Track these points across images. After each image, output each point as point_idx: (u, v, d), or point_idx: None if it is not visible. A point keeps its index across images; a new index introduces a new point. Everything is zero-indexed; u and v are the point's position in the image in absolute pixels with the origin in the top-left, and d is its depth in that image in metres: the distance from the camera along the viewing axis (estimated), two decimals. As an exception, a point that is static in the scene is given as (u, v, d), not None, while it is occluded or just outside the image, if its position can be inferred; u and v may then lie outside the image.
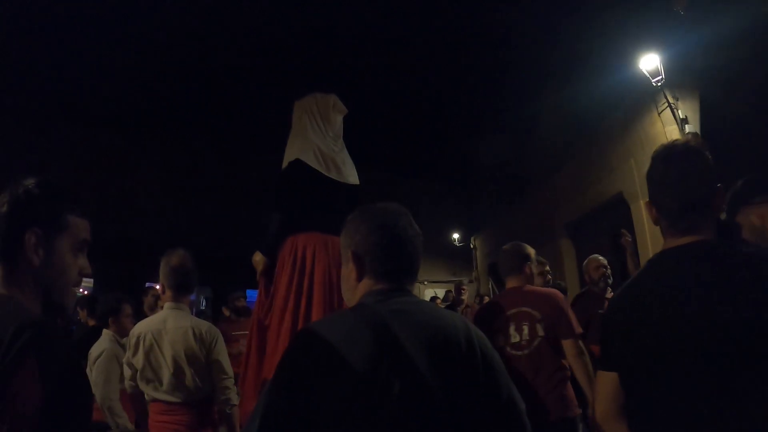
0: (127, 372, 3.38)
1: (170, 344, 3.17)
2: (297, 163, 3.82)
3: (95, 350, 3.95)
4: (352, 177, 4.10)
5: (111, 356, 3.99)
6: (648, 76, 8.43)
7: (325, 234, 3.80)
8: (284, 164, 3.94)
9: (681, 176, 1.77)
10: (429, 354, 1.42)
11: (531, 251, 3.99)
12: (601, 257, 5.71)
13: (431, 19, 12.07)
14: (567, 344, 3.47)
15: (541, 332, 3.47)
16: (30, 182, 1.51)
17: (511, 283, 3.86)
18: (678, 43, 8.04)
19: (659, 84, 8.41)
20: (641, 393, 1.70)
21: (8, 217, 1.46)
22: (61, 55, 12.36)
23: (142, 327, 3.32)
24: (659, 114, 8.84)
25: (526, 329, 3.51)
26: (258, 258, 3.82)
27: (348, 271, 1.67)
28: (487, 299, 12.74)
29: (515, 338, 3.51)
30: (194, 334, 3.20)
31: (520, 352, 3.46)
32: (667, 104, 8.52)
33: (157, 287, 3.92)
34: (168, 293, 3.37)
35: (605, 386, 1.84)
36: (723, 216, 2.26)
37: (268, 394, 1.42)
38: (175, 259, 3.35)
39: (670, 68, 8.30)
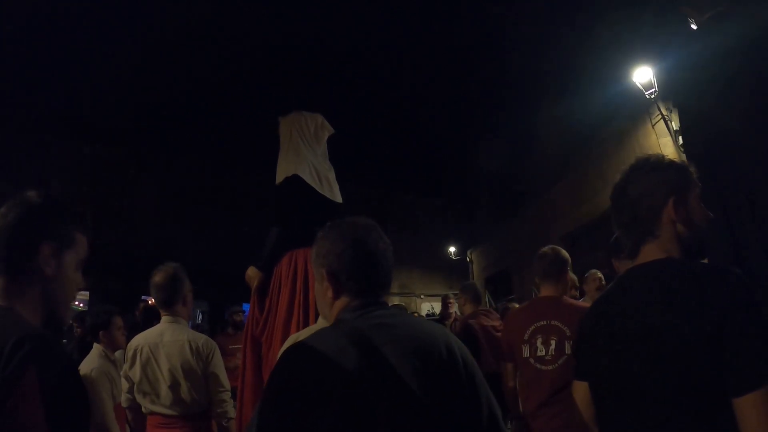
0: (125, 384, 3.37)
1: (167, 357, 3.17)
2: (295, 179, 3.87)
3: (84, 367, 3.86)
4: (338, 196, 4.16)
5: (100, 374, 3.90)
6: (641, 88, 8.49)
7: None
8: (279, 178, 3.98)
9: (621, 199, 1.83)
10: (412, 365, 1.44)
11: (568, 257, 3.74)
12: (599, 272, 5.76)
13: (427, 34, 12.13)
14: None
15: (568, 350, 3.26)
16: (39, 195, 1.53)
17: (546, 291, 3.62)
18: (671, 55, 8.10)
19: (653, 96, 8.47)
20: (601, 404, 1.75)
21: (21, 227, 1.47)
22: (61, 69, 12.41)
23: (139, 339, 3.32)
24: (653, 126, 8.91)
25: (553, 344, 3.36)
26: (252, 273, 3.84)
27: (323, 289, 1.68)
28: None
29: (541, 351, 3.38)
30: (191, 347, 3.20)
31: (544, 367, 3.36)
32: (660, 116, 8.58)
33: (150, 301, 3.93)
34: (161, 308, 3.40)
35: (578, 395, 1.89)
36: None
37: (259, 413, 1.44)
38: (158, 277, 3.36)
39: (664, 80, 8.37)
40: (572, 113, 11.54)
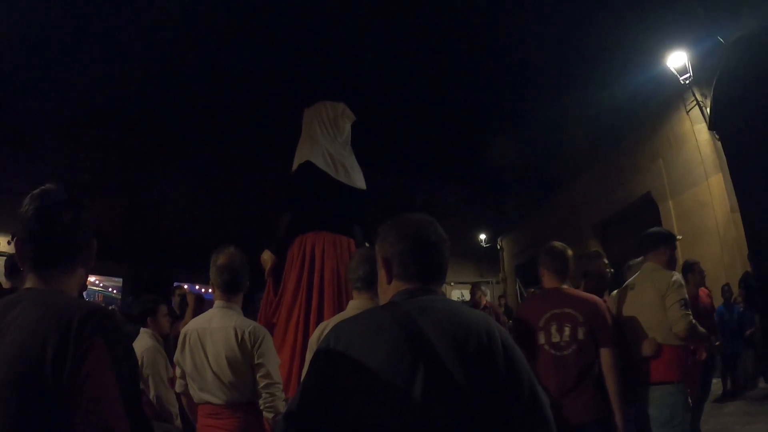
0: (178, 370, 3.32)
1: (212, 343, 3.02)
2: (307, 165, 3.90)
3: (139, 346, 3.99)
4: (359, 182, 4.18)
5: (155, 351, 4.11)
6: (676, 73, 8.31)
7: (333, 233, 3.86)
8: (294, 166, 4.01)
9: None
10: (452, 346, 1.49)
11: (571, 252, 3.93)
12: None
13: (456, 22, 12.03)
14: (605, 353, 3.43)
15: (581, 336, 3.42)
16: (78, 196, 1.63)
17: (552, 282, 3.74)
18: (706, 39, 7.92)
19: (687, 82, 8.29)
20: None
21: (79, 223, 1.58)
22: (91, 62, 12.58)
23: (190, 325, 3.23)
24: (688, 112, 8.72)
25: (567, 330, 3.47)
26: (266, 256, 3.87)
27: (381, 275, 1.80)
28: (502, 301, 12.69)
29: (556, 338, 3.47)
30: (236, 334, 3.01)
31: (559, 353, 3.44)
32: (695, 102, 8.39)
33: (185, 287, 3.92)
34: (217, 292, 3.26)
35: None
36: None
37: (304, 381, 1.58)
38: (221, 258, 3.18)
39: (698, 65, 8.18)
40: (603, 100, 11.36)
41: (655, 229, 4.10)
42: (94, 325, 1.34)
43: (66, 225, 1.54)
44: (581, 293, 3.77)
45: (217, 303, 3.18)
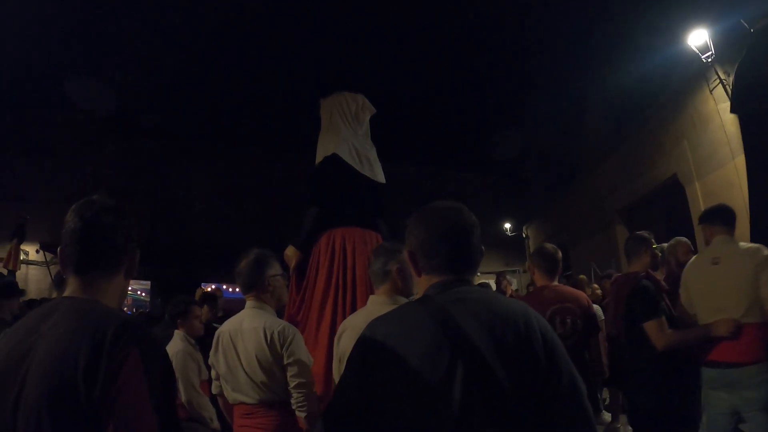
0: (213, 372, 3.37)
1: (244, 344, 3.07)
2: (334, 158, 3.87)
3: (170, 349, 4.04)
4: (380, 175, 4.15)
5: (185, 355, 4.17)
6: (697, 52, 8.17)
7: (362, 229, 3.83)
8: (318, 158, 3.96)
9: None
10: (490, 338, 1.47)
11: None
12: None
13: (474, 10, 11.95)
14: (594, 341, 4.00)
15: (579, 327, 3.84)
16: (125, 205, 1.67)
17: (545, 280, 4.12)
18: (727, 15, 7.76)
19: (709, 60, 8.15)
20: None
21: (121, 228, 1.61)
22: (114, 67, 12.74)
23: (223, 326, 3.28)
24: (711, 91, 8.56)
25: (569, 322, 3.83)
26: (291, 252, 3.84)
27: (411, 269, 1.79)
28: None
29: (560, 330, 3.76)
30: (265, 335, 3.06)
31: (565, 342, 3.53)
32: (718, 81, 8.25)
33: (208, 288, 3.98)
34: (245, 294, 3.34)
35: None
36: None
37: (342, 378, 1.59)
38: (241, 263, 3.29)
39: (720, 42, 8.03)
40: (625, 82, 11.20)
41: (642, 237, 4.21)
42: (128, 338, 1.35)
43: (108, 227, 1.57)
44: (572, 289, 4.22)
45: (248, 303, 3.23)
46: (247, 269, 3.23)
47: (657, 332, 3.60)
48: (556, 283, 4.10)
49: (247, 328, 3.10)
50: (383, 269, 2.80)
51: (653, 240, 4.22)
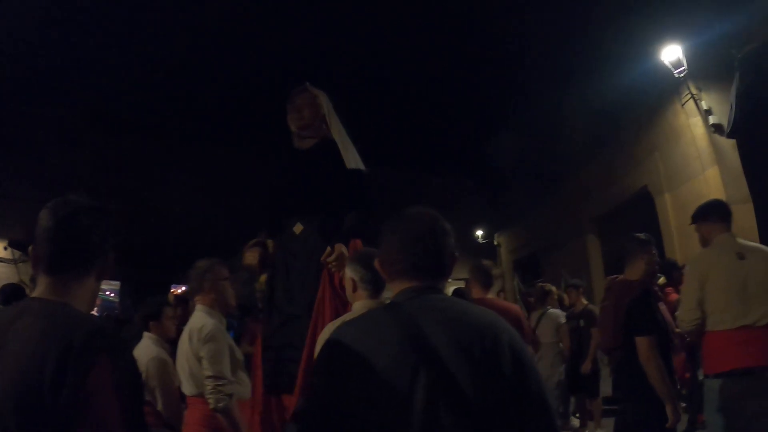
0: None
1: (181, 342, 3.57)
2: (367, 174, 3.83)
3: (144, 354, 3.90)
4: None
5: (160, 361, 4.00)
6: (670, 67, 8.34)
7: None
8: (353, 164, 3.76)
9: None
10: (456, 348, 1.47)
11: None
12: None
13: (453, 18, 12.03)
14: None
15: None
16: (105, 206, 1.65)
17: (480, 293, 4.60)
18: (700, 32, 7.93)
19: (682, 75, 8.31)
20: None
21: (97, 233, 1.58)
22: (90, 64, 12.59)
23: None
24: (683, 106, 8.73)
25: None
26: (343, 250, 3.44)
27: (382, 274, 1.81)
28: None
29: None
30: (189, 334, 3.46)
31: None
32: (690, 96, 8.41)
33: (178, 291, 4.20)
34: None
35: None
36: None
37: (312, 384, 1.61)
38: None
39: (692, 59, 8.20)
40: (601, 94, 11.33)
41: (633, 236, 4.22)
42: (97, 345, 1.34)
43: (81, 228, 1.54)
44: (504, 302, 4.98)
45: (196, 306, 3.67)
46: (194, 277, 3.67)
47: (646, 350, 3.47)
48: (490, 296, 4.64)
49: (186, 329, 3.54)
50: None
51: (653, 245, 4.07)
